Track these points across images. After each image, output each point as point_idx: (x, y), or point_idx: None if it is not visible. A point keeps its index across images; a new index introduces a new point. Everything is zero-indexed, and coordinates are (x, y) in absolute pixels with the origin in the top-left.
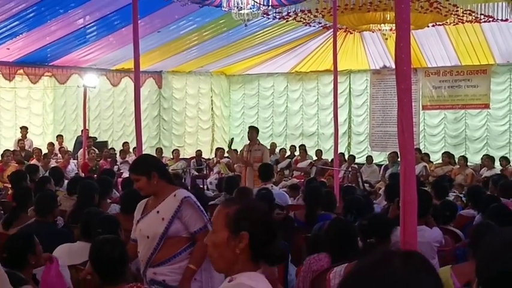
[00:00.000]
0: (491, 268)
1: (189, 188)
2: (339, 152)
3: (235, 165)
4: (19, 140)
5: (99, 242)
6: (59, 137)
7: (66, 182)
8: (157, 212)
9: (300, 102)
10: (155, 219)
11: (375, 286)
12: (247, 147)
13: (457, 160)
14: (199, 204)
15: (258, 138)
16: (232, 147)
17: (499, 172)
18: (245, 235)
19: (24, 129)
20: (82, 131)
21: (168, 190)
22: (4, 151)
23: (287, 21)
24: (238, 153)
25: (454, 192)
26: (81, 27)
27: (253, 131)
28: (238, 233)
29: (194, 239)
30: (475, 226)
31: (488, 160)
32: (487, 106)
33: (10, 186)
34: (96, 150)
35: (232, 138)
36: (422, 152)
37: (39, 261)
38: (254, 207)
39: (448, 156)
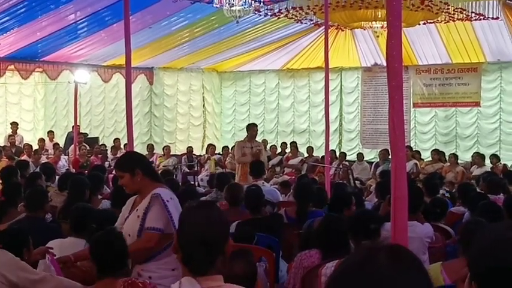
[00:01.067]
0: (481, 264)
1: (179, 184)
2: (330, 149)
3: (236, 162)
4: (9, 136)
5: (101, 234)
6: (50, 133)
7: (57, 178)
8: (137, 209)
9: (291, 99)
10: (134, 217)
11: (362, 284)
12: (250, 144)
13: (447, 158)
14: (172, 207)
15: None
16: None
17: (489, 170)
18: None
19: (14, 125)
20: (73, 127)
21: (151, 188)
22: None
23: (279, 18)
24: (235, 150)
25: (445, 189)
26: (72, 23)
27: (256, 127)
28: None
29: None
30: (465, 223)
31: (478, 158)
32: (477, 104)
33: (0, 182)
34: (87, 146)
35: None
36: (414, 149)
37: (31, 256)
38: None
39: (437, 154)
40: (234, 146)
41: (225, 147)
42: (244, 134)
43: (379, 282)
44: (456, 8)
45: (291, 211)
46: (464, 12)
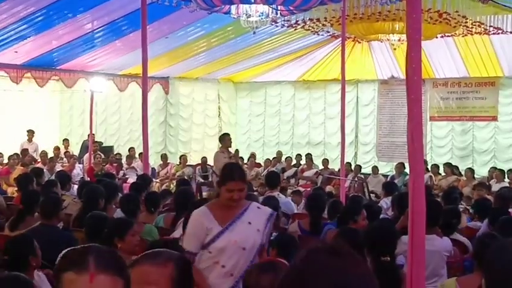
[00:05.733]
0: (504, 283)
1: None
2: (345, 161)
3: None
4: (22, 150)
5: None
6: (65, 141)
7: (73, 186)
8: (249, 223)
9: (307, 111)
10: (251, 230)
11: (305, 283)
12: (227, 154)
13: (463, 172)
14: None
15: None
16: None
17: (507, 185)
18: None
19: (30, 133)
20: (88, 135)
21: (242, 202)
22: (10, 155)
23: (295, 29)
24: (215, 159)
25: (462, 204)
26: (89, 32)
27: (229, 137)
28: None
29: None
30: (479, 237)
31: (498, 173)
32: (494, 118)
33: (16, 189)
34: (102, 155)
35: None
36: (431, 163)
37: (39, 263)
38: None
39: (449, 167)
40: (250, 156)
41: (240, 158)
42: (258, 144)
43: (319, 274)
44: (474, 22)
45: (304, 223)
46: (482, 26)
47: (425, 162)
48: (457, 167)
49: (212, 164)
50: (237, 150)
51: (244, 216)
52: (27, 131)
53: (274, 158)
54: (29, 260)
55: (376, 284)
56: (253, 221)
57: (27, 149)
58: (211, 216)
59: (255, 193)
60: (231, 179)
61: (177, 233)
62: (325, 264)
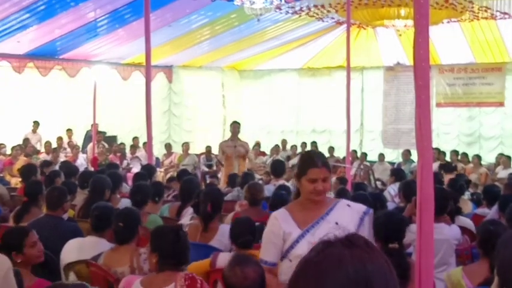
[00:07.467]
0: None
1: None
2: (351, 149)
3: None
4: (24, 140)
5: (169, 226)
6: (69, 131)
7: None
8: (336, 223)
9: (311, 99)
10: (338, 233)
11: (320, 273)
12: (232, 143)
13: (471, 159)
14: None
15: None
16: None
17: None
18: None
19: (36, 124)
20: (92, 125)
21: (326, 198)
22: (13, 146)
23: (300, 16)
24: (218, 150)
25: (469, 191)
26: (92, 21)
27: (237, 126)
28: None
29: None
30: (483, 224)
31: (505, 159)
32: (501, 104)
33: (20, 180)
34: (105, 144)
35: None
36: (439, 150)
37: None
38: None
39: (456, 155)
40: (255, 145)
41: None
42: (263, 132)
43: (335, 266)
44: (481, 7)
45: None
46: (488, 11)
47: (438, 150)
48: (466, 154)
49: (216, 153)
50: (284, 140)
51: (330, 216)
52: (33, 122)
53: (276, 145)
54: (23, 249)
55: (395, 276)
56: (341, 220)
57: (28, 139)
58: (290, 219)
59: (260, 181)
60: (313, 166)
61: (182, 223)
62: (342, 256)
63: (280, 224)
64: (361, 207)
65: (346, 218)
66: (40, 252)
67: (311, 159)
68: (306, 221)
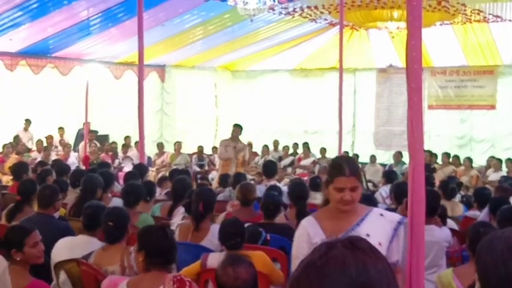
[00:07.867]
0: (494, 273)
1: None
2: (343, 150)
3: (219, 157)
4: (15, 137)
5: (156, 226)
6: (60, 130)
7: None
8: (367, 234)
9: (304, 100)
10: None
11: (321, 274)
12: (233, 144)
13: (462, 161)
14: None
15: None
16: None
17: (506, 174)
18: None
19: (27, 122)
20: (84, 123)
21: (359, 207)
22: (4, 144)
23: (293, 17)
24: (219, 147)
25: (460, 193)
26: (85, 19)
27: (238, 129)
28: None
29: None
30: (473, 226)
31: (496, 162)
32: (493, 107)
33: (11, 178)
34: (97, 143)
35: None
36: (431, 152)
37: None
38: None
39: (447, 157)
40: (247, 145)
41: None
42: (255, 133)
43: (338, 269)
44: (473, 10)
45: (290, 214)
46: (481, 13)
47: (430, 152)
48: (457, 156)
49: (209, 153)
50: (276, 141)
51: (360, 227)
52: (25, 120)
53: (265, 145)
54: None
55: (395, 280)
56: (373, 232)
57: (19, 137)
58: (319, 228)
59: (252, 182)
60: (340, 174)
61: (173, 222)
62: (344, 258)
63: (308, 233)
64: (395, 217)
65: (379, 229)
66: (41, 252)
67: (339, 166)
68: (335, 230)
